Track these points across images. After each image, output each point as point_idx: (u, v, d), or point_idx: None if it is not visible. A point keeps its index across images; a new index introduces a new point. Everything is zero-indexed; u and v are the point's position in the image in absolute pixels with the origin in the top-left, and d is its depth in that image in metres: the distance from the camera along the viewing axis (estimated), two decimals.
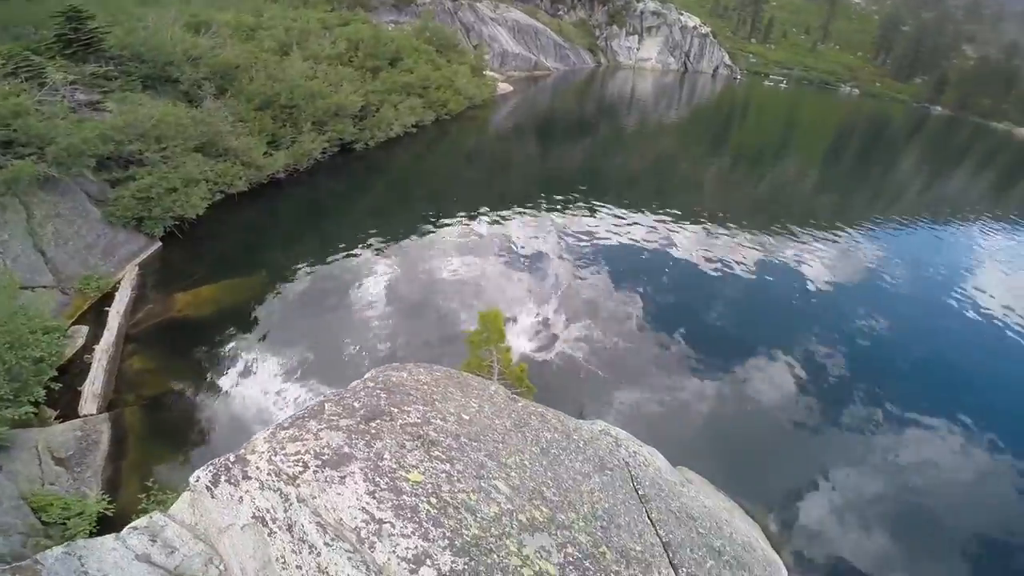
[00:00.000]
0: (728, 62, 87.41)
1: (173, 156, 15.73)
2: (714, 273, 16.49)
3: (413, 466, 2.61)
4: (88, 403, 9.55)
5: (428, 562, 2.08)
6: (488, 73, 41.42)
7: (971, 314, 15.95)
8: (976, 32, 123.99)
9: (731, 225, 20.13)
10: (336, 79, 23.69)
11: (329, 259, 14.84)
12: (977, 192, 35.67)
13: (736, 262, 17.27)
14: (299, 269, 14.18)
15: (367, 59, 27.59)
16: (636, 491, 3.43)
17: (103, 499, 7.85)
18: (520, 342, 11.62)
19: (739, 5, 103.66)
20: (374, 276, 14.25)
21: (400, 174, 22.37)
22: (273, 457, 2.51)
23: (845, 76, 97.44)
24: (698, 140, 38.93)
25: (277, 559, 2.20)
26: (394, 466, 2.56)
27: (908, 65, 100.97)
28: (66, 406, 9.46)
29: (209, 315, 11.96)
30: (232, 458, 2.59)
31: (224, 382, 10.36)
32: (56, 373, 9.58)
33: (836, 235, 20.81)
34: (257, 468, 2.47)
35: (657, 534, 3.22)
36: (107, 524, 7.45)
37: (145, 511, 7.22)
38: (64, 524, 7.28)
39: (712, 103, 60.96)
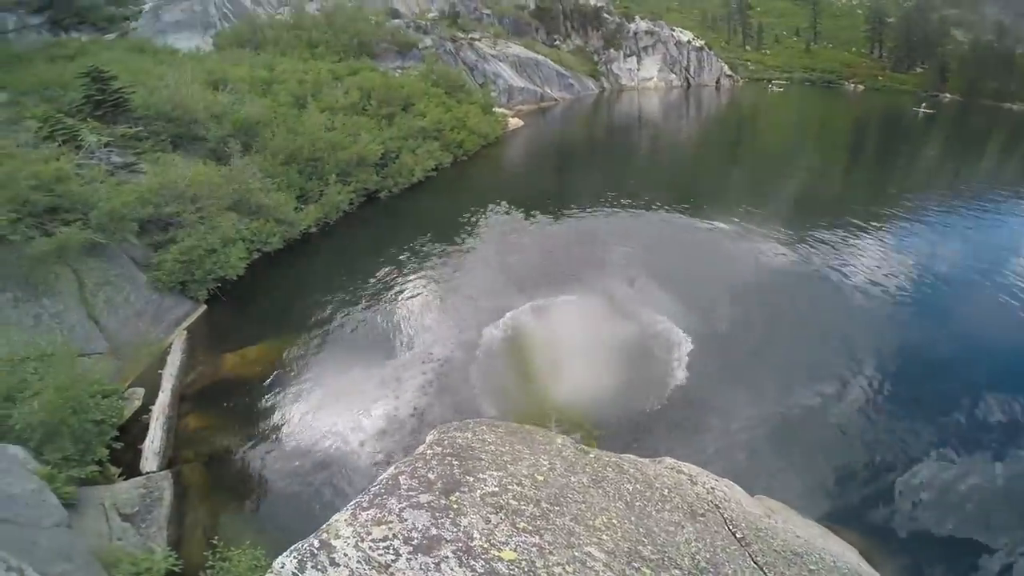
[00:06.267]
0: (728, 72, 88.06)
1: (209, 216, 15.96)
2: (757, 280, 16.03)
3: (503, 543, 2.73)
4: (149, 461, 10.08)
5: None
6: (497, 110, 42.08)
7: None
8: (960, 16, 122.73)
9: (771, 229, 19.72)
10: (354, 128, 24.31)
11: (368, 308, 15.16)
12: (1010, 174, 34.64)
13: (782, 268, 17.03)
14: (339, 323, 14.54)
15: (381, 106, 28.14)
16: (733, 534, 3.45)
17: (170, 555, 8.21)
18: (568, 379, 11.44)
19: (727, 16, 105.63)
20: (415, 322, 14.46)
21: (425, 217, 22.31)
22: (360, 543, 2.41)
23: (846, 73, 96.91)
24: (716, 150, 38.77)
25: None
26: (485, 545, 2.67)
27: (905, 56, 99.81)
28: (128, 464, 9.97)
29: (258, 374, 12.47)
30: (316, 544, 2.45)
31: (278, 438, 10.81)
32: (117, 433, 10.12)
33: (876, 229, 20.54)
34: (345, 555, 2.37)
35: None
36: None
37: (212, 568, 7.58)
38: None
39: (722, 113, 61.17)
